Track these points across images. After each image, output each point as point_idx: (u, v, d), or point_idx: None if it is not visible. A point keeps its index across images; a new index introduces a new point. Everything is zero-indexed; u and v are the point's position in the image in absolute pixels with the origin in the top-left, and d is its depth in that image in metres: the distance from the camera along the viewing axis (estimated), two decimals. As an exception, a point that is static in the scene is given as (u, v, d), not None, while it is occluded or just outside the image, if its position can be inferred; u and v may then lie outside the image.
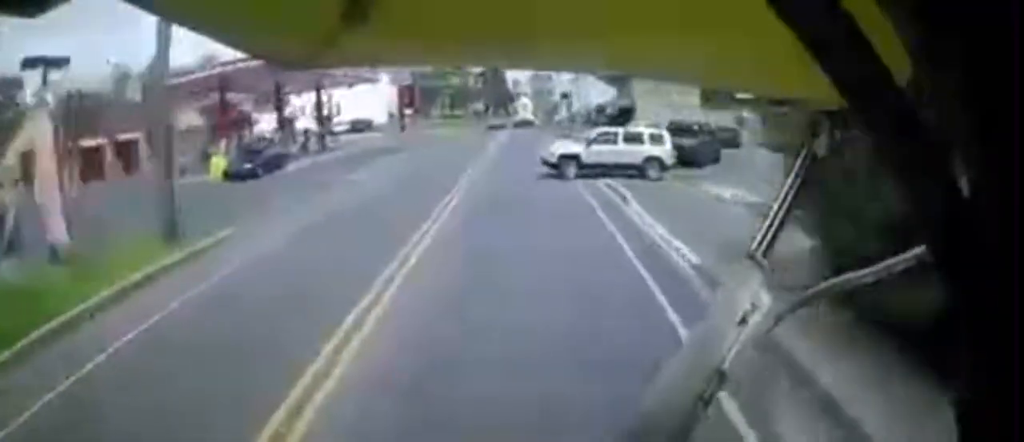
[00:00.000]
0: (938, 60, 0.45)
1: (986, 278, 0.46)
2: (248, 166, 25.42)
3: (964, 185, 0.47)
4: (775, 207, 1.15)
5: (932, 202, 0.48)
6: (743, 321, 1.00)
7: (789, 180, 1.18)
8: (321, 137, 40.38)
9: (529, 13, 0.82)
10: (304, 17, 0.84)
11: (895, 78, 0.50)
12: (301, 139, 39.17)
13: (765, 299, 1.01)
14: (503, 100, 68.59)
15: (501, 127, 53.43)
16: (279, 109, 36.84)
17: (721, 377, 0.98)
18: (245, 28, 0.90)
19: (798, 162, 1.18)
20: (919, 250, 0.72)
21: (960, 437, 0.49)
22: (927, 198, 0.48)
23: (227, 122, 33.33)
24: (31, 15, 0.58)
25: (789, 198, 1.15)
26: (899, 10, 0.45)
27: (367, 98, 52.11)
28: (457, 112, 67.45)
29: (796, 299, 1.06)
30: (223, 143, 30.77)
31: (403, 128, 49.44)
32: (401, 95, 52.11)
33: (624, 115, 37.31)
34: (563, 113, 57.10)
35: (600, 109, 43.50)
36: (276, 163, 27.49)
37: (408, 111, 53.82)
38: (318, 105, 41.37)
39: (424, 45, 1.05)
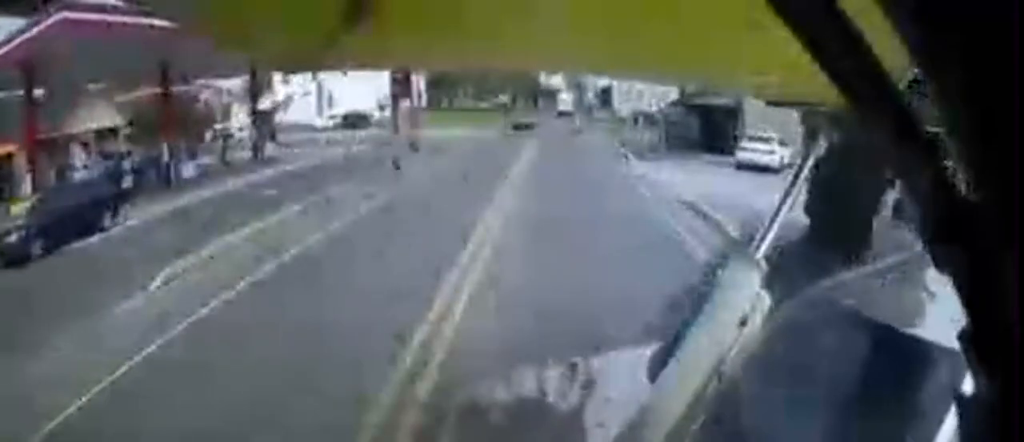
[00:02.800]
0: (938, 59, 0.45)
1: (986, 278, 0.46)
2: (13, 239, 13.55)
3: (964, 185, 0.46)
4: (776, 208, 1.16)
5: (932, 202, 0.48)
6: (743, 323, 1.00)
7: (791, 181, 1.18)
8: (255, 143, 26.18)
9: (528, 13, 0.82)
10: (304, 17, 0.84)
11: (895, 78, 0.50)
12: (219, 147, 25.10)
13: (765, 300, 1.01)
14: (533, 92, 56.79)
15: (528, 127, 39.71)
16: (169, 101, 21.42)
17: (720, 378, 0.98)
18: (245, 29, 0.90)
19: (800, 163, 1.18)
20: (918, 249, 0.72)
21: (962, 435, 0.49)
22: (927, 198, 0.48)
23: (53, 139, 16.92)
24: (30, 14, 0.58)
25: (790, 199, 1.15)
26: (899, 10, 0.45)
27: (366, 87, 42.63)
28: (482, 104, 55.91)
29: (796, 299, 1.06)
30: (30, 177, 16.50)
31: (396, 127, 36.31)
32: (394, 83, 39.14)
33: (714, 123, 20.95)
34: (624, 107, 43.50)
35: (676, 103, 29.20)
36: (54, 235, 13.93)
37: (407, 103, 39.60)
38: (252, 95, 27.49)
39: (424, 44, 1.05)
